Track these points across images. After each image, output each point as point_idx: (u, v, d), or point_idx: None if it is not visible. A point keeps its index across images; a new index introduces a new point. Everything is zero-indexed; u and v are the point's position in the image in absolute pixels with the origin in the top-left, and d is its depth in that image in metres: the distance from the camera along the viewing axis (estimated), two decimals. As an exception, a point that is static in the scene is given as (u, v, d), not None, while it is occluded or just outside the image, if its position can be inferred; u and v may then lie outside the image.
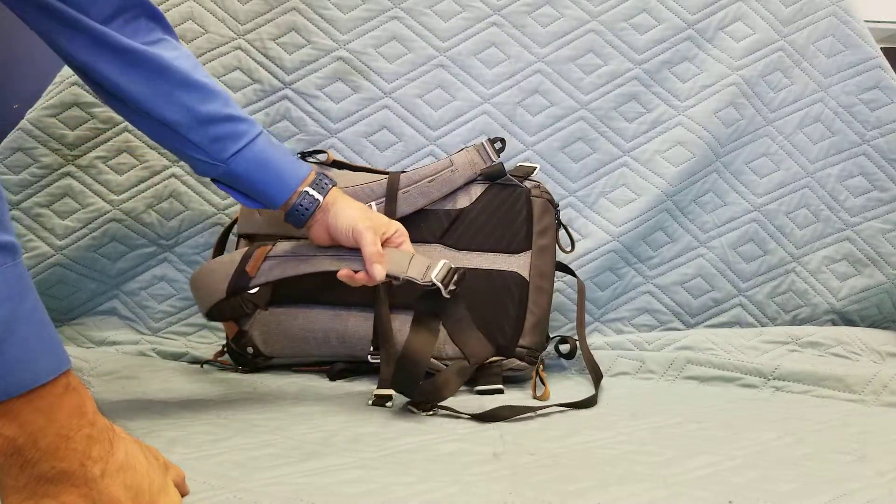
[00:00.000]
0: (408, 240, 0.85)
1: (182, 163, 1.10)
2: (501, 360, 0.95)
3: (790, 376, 0.98)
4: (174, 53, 0.73)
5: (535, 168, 1.03)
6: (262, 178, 0.78)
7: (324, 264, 0.83)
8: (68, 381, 0.44)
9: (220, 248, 1.04)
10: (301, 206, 0.79)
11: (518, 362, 0.96)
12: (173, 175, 1.10)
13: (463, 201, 1.00)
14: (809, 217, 1.18)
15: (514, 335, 0.96)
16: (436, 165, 1.00)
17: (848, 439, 0.73)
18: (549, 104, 1.15)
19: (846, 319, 1.18)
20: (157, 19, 0.73)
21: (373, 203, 0.97)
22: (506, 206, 0.99)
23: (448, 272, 0.81)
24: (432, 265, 0.81)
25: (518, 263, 0.98)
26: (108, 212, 1.08)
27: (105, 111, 1.08)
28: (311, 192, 0.80)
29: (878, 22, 1.62)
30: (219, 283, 0.86)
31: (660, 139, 1.15)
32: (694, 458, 0.65)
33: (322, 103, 1.12)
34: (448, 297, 0.81)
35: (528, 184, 1.01)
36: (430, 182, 0.99)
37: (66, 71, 1.07)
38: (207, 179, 1.09)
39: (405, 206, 0.98)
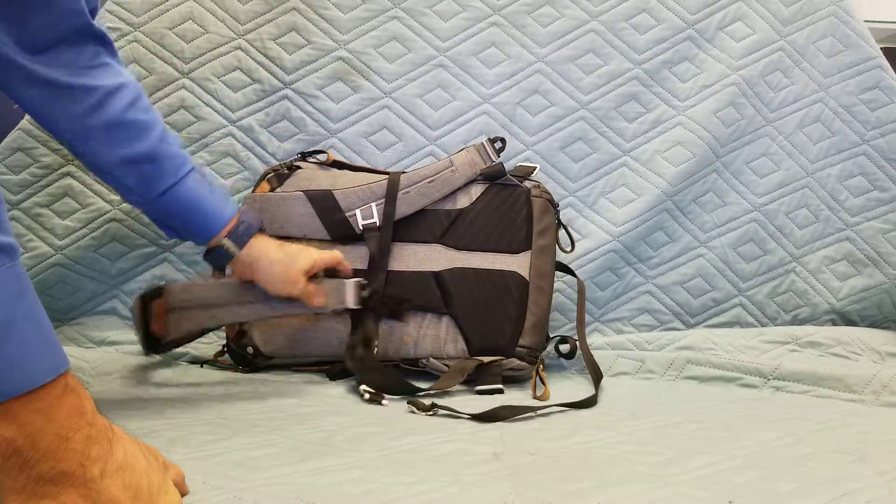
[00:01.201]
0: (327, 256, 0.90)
1: (182, 163, 1.10)
2: (501, 359, 0.95)
3: (790, 376, 0.98)
4: (114, 81, 0.73)
5: (534, 168, 1.03)
6: (187, 219, 0.80)
7: (242, 314, 0.89)
8: (67, 382, 0.44)
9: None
10: (221, 251, 0.82)
11: (518, 362, 0.96)
12: (173, 175, 1.10)
13: (463, 201, 1.00)
14: (809, 217, 1.18)
15: (513, 335, 0.97)
16: (436, 166, 1.00)
17: (848, 439, 0.73)
18: (549, 104, 1.15)
19: (846, 319, 1.18)
20: (104, 43, 0.73)
21: (357, 211, 0.98)
22: (506, 207, 1.00)
23: (357, 289, 0.92)
24: (344, 288, 0.91)
25: (518, 263, 0.98)
26: (108, 212, 1.08)
27: (105, 111, 1.08)
28: (228, 244, 0.82)
29: (878, 22, 1.62)
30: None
31: (660, 139, 1.15)
32: (694, 458, 0.64)
33: (322, 103, 1.12)
34: (359, 307, 0.92)
35: (527, 184, 1.01)
36: (429, 183, 0.99)
37: (66, 71, 1.06)
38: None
39: (405, 207, 0.99)
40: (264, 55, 1.11)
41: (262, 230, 0.85)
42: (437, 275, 0.98)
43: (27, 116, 1.06)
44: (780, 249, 1.17)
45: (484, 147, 1.01)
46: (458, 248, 0.99)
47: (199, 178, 0.80)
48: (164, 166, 0.77)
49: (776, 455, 0.67)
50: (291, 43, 1.12)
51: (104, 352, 1.05)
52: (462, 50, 1.14)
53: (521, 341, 0.97)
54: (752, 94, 1.16)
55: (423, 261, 0.98)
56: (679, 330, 1.15)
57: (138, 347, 1.06)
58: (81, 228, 1.08)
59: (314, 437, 0.70)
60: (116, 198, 1.08)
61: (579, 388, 0.96)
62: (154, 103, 1.08)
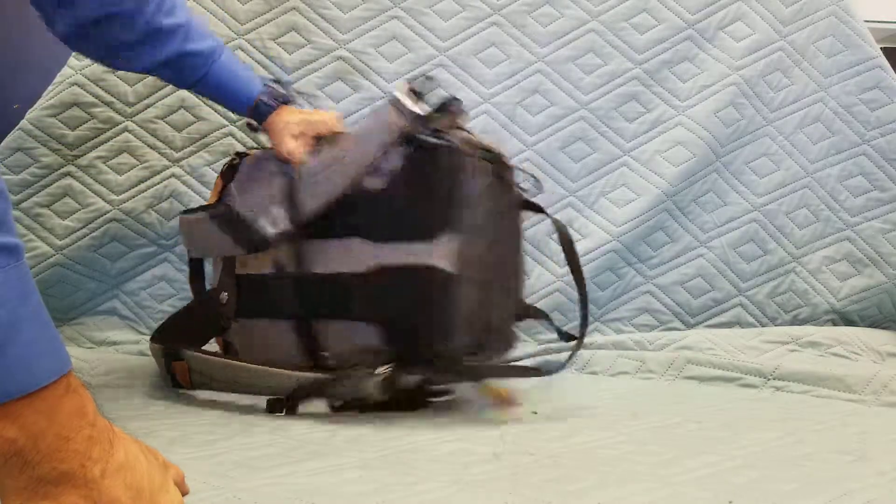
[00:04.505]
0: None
1: (182, 163, 1.10)
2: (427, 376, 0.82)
3: (790, 376, 0.98)
4: None
5: (462, 110, 0.83)
6: (221, 97, 0.91)
7: None
8: (69, 383, 0.44)
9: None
10: (262, 105, 0.90)
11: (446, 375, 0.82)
12: (173, 175, 1.10)
13: (380, 178, 0.81)
14: (809, 217, 1.18)
15: (441, 339, 0.78)
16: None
17: (848, 439, 0.73)
18: (549, 104, 1.15)
19: (846, 319, 1.18)
20: None
21: (261, 218, 0.83)
22: (425, 177, 0.78)
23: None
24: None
25: (439, 252, 0.77)
26: (108, 212, 1.08)
27: (105, 111, 1.08)
28: (266, 100, 0.90)
29: (878, 22, 1.62)
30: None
31: (660, 139, 1.15)
32: (694, 458, 0.65)
33: (322, 103, 1.12)
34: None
35: (458, 136, 0.79)
36: (337, 164, 0.82)
37: (67, 71, 1.06)
38: (208, 180, 1.09)
39: (314, 201, 0.81)
40: (264, 55, 1.11)
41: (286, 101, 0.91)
42: (358, 277, 0.79)
43: (27, 116, 1.06)
44: (780, 249, 1.17)
45: (399, 100, 0.80)
46: (376, 241, 0.79)
47: (226, 61, 0.89)
48: (192, 62, 0.86)
49: (776, 455, 0.67)
50: (291, 43, 1.12)
51: (104, 352, 1.05)
52: (462, 50, 1.14)
53: (451, 343, 0.78)
54: (753, 94, 1.16)
55: (343, 261, 0.81)
56: (679, 330, 1.15)
57: (138, 347, 1.07)
58: (81, 228, 1.08)
59: (314, 437, 0.70)
60: (116, 198, 1.08)
61: (578, 390, 0.96)
62: (154, 103, 1.09)
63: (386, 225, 0.79)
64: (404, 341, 0.78)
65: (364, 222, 0.80)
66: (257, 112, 0.91)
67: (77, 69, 1.06)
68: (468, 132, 0.83)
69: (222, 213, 0.87)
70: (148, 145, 1.09)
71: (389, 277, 0.78)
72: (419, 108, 0.80)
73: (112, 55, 0.86)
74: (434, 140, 0.78)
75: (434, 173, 0.78)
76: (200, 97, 1.07)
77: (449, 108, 0.82)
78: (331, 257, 0.82)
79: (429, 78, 0.83)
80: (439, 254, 0.77)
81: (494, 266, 0.82)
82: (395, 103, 0.80)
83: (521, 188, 0.88)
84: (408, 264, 0.77)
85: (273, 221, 0.83)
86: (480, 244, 0.79)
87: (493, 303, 0.82)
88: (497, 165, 0.82)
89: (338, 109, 1.12)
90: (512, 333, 0.88)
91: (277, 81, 0.94)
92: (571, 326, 1.13)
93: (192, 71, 0.87)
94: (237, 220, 0.85)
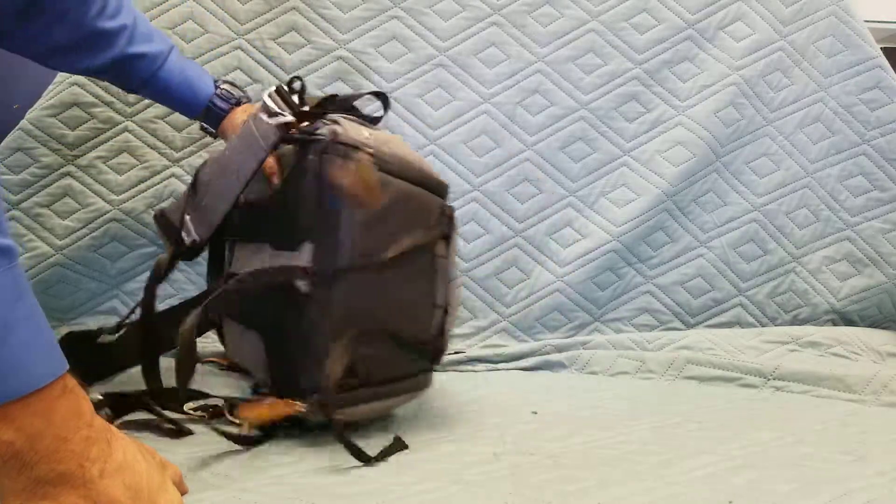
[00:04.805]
0: None
1: (182, 163, 1.10)
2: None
3: (790, 376, 0.98)
4: None
5: (329, 97, 0.76)
6: (170, 100, 0.89)
7: None
8: (65, 384, 0.44)
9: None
10: (214, 110, 0.88)
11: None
12: (173, 175, 1.10)
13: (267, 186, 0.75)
14: (809, 217, 1.18)
15: (304, 365, 0.67)
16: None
17: (848, 439, 0.73)
18: (549, 104, 1.15)
19: (846, 319, 1.18)
20: None
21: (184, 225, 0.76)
22: (295, 179, 0.70)
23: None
24: None
25: (301, 263, 0.67)
26: (108, 212, 1.08)
27: (105, 111, 1.08)
28: (218, 103, 0.88)
29: (878, 22, 1.62)
30: None
31: (660, 139, 1.15)
32: (694, 458, 0.65)
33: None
34: None
35: (329, 131, 0.69)
36: (229, 167, 0.74)
37: (66, 71, 1.07)
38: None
39: (223, 205, 0.72)
40: (264, 55, 1.11)
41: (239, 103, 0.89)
42: (239, 281, 0.70)
43: (27, 116, 1.06)
44: (780, 249, 1.17)
45: (265, 103, 0.73)
46: (273, 247, 0.71)
47: (175, 63, 0.86)
48: (135, 65, 0.83)
49: (776, 455, 0.67)
50: (291, 43, 1.12)
51: (104, 352, 1.05)
52: (462, 49, 1.14)
53: (307, 377, 0.66)
54: (753, 93, 1.16)
55: (250, 264, 0.74)
56: (679, 330, 1.15)
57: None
58: (81, 228, 1.08)
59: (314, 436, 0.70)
60: (116, 197, 1.08)
61: (576, 390, 0.95)
62: (155, 103, 1.08)
63: (270, 230, 0.72)
64: (279, 357, 0.70)
65: (257, 228, 0.75)
66: (209, 116, 0.88)
67: (77, 69, 1.06)
68: (339, 126, 0.69)
69: (158, 218, 0.81)
70: (148, 145, 1.09)
71: (255, 284, 0.68)
72: (288, 109, 0.73)
73: (47, 56, 0.80)
74: (301, 138, 0.70)
75: (299, 175, 0.69)
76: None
77: (325, 103, 0.75)
78: (246, 260, 0.76)
79: (297, 78, 0.79)
80: (300, 265, 0.67)
81: (375, 284, 0.68)
82: (265, 108, 0.73)
83: (364, 116, 0.79)
84: (266, 270, 0.68)
85: (188, 230, 0.76)
86: (351, 257, 0.67)
87: (370, 333, 0.68)
88: (364, 154, 0.68)
89: (338, 109, 1.12)
90: (404, 365, 0.73)
91: (230, 82, 0.91)
92: (572, 327, 1.14)
93: (136, 74, 0.84)
94: (169, 223, 0.79)
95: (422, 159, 0.77)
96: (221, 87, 0.89)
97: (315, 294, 0.66)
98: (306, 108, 0.74)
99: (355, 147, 0.68)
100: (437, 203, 0.76)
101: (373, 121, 0.79)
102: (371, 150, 0.68)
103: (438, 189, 0.77)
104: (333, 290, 0.66)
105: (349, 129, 0.69)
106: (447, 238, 0.76)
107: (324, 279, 0.66)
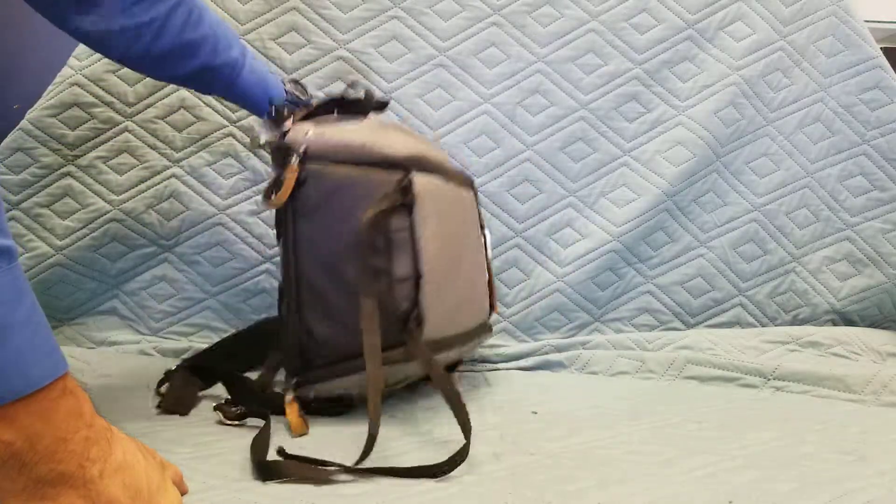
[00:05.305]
0: None
1: (182, 163, 1.10)
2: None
3: (790, 376, 0.98)
4: (164, 8, 0.75)
5: (306, 96, 0.87)
6: (247, 105, 0.89)
7: None
8: (65, 385, 0.44)
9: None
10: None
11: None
12: (173, 175, 1.10)
13: None
14: (809, 217, 1.18)
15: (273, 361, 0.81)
16: None
17: (848, 439, 0.73)
18: (549, 104, 1.15)
19: (846, 319, 1.18)
20: None
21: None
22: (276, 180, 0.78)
23: None
24: None
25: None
26: (108, 212, 1.08)
27: (105, 111, 1.08)
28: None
29: (878, 22, 1.62)
30: None
31: (660, 139, 1.15)
32: (694, 458, 0.65)
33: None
34: None
35: (300, 132, 0.75)
36: None
37: (66, 71, 1.06)
38: (208, 179, 1.09)
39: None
40: (264, 55, 1.11)
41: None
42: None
43: (27, 116, 1.06)
44: (780, 249, 1.17)
45: (256, 128, 0.81)
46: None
47: (250, 69, 0.86)
48: (216, 75, 0.83)
49: (776, 455, 0.67)
50: (291, 43, 1.12)
51: (104, 352, 1.05)
52: (462, 50, 1.14)
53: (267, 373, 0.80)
54: (753, 94, 1.16)
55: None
56: (679, 330, 1.15)
57: (138, 347, 1.07)
58: (81, 228, 1.08)
59: (314, 436, 0.70)
60: (116, 198, 1.08)
61: (576, 390, 0.95)
62: (154, 103, 1.09)
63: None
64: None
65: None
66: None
67: (77, 69, 1.06)
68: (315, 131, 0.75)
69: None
70: (148, 145, 1.09)
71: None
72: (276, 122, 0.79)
73: (135, 64, 0.81)
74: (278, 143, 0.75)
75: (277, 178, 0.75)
76: (197, 96, 1.07)
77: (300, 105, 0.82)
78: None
79: (295, 81, 0.89)
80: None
81: (332, 283, 0.74)
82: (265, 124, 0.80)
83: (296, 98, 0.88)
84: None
85: None
86: (314, 258, 0.73)
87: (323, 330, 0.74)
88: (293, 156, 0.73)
89: (338, 109, 1.12)
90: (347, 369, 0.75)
91: (295, 81, 0.92)
92: (572, 327, 1.14)
93: (217, 83, 0.85)
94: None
95: (377, 139, 0.78)
96: (289, 90, 0.90)
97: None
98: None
99: (288, 149, 0.74)
100: (394, 178, 0.76)
101: (379, 106, 0.86)
102: (302, 150, 0.74)
103: (395, 164, 0.77)
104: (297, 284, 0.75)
105: (292, 132, 0.75)
106: (409, 208, 0.75)
107: (288, 281, 0.76)
